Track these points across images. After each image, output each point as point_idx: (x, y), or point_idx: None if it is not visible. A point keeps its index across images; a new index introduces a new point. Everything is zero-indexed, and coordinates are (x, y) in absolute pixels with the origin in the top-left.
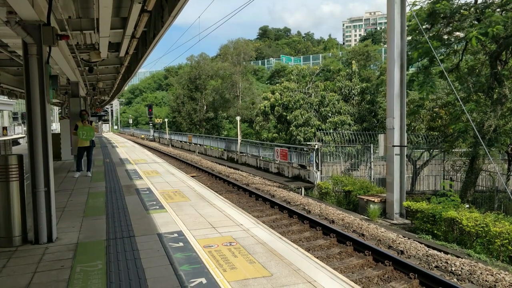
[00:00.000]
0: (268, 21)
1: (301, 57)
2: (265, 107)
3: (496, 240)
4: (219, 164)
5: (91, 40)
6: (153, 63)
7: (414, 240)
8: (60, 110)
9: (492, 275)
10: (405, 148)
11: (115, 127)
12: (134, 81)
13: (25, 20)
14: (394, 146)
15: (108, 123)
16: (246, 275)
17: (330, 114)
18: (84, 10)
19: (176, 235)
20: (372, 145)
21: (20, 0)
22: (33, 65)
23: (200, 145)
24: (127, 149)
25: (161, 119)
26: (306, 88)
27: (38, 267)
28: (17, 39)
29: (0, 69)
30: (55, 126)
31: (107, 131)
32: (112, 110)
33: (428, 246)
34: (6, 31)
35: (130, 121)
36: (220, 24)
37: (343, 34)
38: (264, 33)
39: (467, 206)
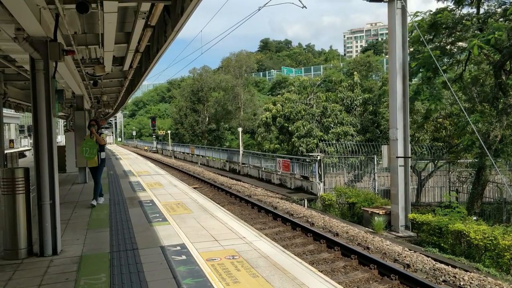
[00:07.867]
0: (269, 33)
1: (302, 68)
2: (266, 118)
3: (506, 254)
4: (221, 175)
5: (96, 55)
6: (156, 76)
7: (420, 253)
8: (65, 123)
9: None
10: (409, 159)
11: (119, 139)
12: (138, 93)
13: (33, 36)
14: (398, 157)
15: (112, 135)
16: None
17: (332, 125)
18: (89, 25)
19: (179, 248)
20: (375, 156)
21: (28, 17)
22: (40, 79)
23: (202, 156)
24: (130, 161)
25: (164, 131)
26: (308, 99)
27: (43, 280)
28: (25, 54)
29: (7, 83)
30: (60, 139)
31: (110, 143)
32: (116, 123)
33: (435, 260)
34: (14, 47)
35: (134, 133)
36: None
37: (344, 45)
38: (265, 45)
39: (475, 218)
